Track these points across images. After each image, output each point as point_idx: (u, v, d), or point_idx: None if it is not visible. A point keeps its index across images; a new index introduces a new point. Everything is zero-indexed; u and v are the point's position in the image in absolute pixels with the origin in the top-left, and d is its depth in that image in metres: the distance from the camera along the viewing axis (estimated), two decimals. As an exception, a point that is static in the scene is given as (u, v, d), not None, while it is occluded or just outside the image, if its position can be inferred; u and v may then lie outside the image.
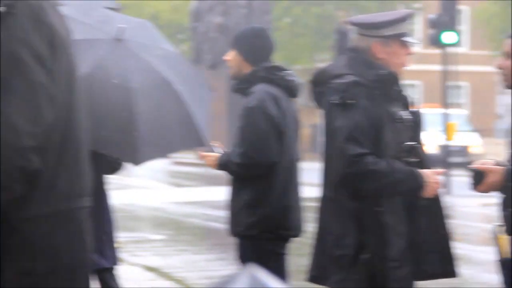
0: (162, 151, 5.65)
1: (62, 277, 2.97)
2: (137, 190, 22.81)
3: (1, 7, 2.86)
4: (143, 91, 5.19)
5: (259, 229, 5.67)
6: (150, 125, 5.20)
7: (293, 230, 5.83)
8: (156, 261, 11.63)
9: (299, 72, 36.91)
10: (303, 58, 45.43)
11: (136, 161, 5.35)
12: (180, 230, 15.76)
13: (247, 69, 5.90)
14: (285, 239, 5.85)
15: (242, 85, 5.91)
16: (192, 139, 5.43)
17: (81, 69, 4.73)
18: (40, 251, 2.92)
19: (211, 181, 28.00)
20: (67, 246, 2.99)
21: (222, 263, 11.82)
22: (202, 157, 5.93)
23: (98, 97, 4.99)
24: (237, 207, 5.78)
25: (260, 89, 5.75)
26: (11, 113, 2.81)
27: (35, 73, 2.86)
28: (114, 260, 5.99)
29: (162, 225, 16.19)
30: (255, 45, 5.93)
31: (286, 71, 5.96)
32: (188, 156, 44.73)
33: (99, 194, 5.55)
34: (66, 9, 5.13)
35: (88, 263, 3.12)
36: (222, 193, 21.05)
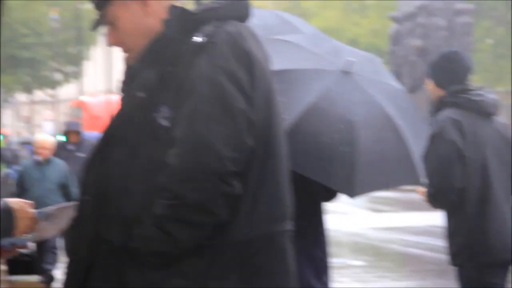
0: (378, 186, 5.58)
1: None
2: (337, 216, 22.80)
3: (202, 37, 2.95)
4: (364, 124, 5.19)
5: (461, 258, 5.63)
6: (369, 159, 5.18)
7: (500, 255, 5.70)
8: (356, 287, 11.62)
9: (502, 94, 36.23)
10: (506, 80, 44.42)
11: (352, 193, 5.30)
12: (379, 256, 15.68)
13: (440, 94, 5.88)
14: (499, 265, 5.74)
15: (433, 111, 5.90)
16: (408, 176, 5.34)
17: (307, 97, 5.02)
18: (241, 274, 2.96)
19: (410, 207, 27.80)
20: (268, 269, 3.01)
21: (422, 290, 11.75)
22: (421, 193, 5.90)
23: (321, 126, 5.08)
24: (445, 236, 5.79)
25: (443, 115, 5.72)
26: (214, 139, 2.87)
27: (235, 100, 2.91)
28: (326, 286, 6.09)
29: (362, 251, 16.16)
30: (446, 70, 5.90)
31: (474, 91, 5.86)
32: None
33: (316, 219, 5.60)
34: (297, 38, 5.36)
35: (290, 286, 3.11)
36: (421, 218, 20.81)
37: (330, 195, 5.88)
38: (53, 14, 56.78)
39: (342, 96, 5.28)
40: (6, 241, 3.22)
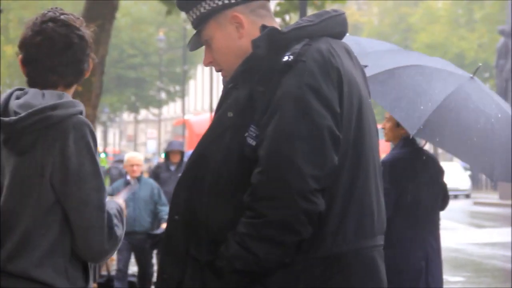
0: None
1: None
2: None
3: (290, 56, 2.98)
4: (497, 120, 6.01)
5: None
6: (505, 151, 5.92)
7: None
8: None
9: None
10: None
11: (493, 177, 6.26)
12: (480, 272, 15.55)
13: None
14: None
15: None
16: None
17: (447, 89, 6.06)
18: None
19: (513, 222, 27.61)
20: (358, 285, 3.02)
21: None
22: None
23: (462, 113, 6.12)
24: None
25: None
26: (296, 156, 2.86)
27: (321, 116, 2.90)
28: None
29: (462, 267, 16.07)
30: None
31: None
32: (489, 196, 44.15)
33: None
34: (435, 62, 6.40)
35: None
36: (524, 234, 20.40)
37: (443, 205, 6.27)
38: (160, 34, 57.44)
39: (474, 94, 6.19)
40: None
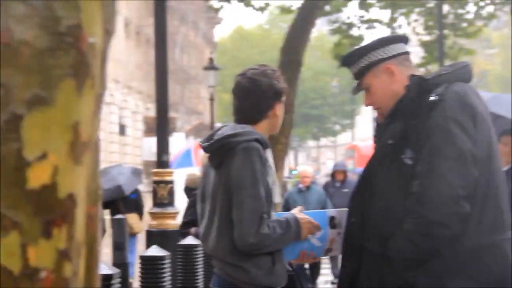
0: None
1: None
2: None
3: (435, 96, 2.99)
4: None
5: None
6: None
7: None
8: None
9: None
10: None
11: None
12: None
13: None
14: None
15: None
16: None
17: None
18: (471, 273, 2.95)
19: None
20: (492, 270, 2.98)
21: None
22: None
23: None
24: None
25: None
26: (447, 172, 2.90)
27: (462, 141, 2.93)
28: None
29: None
30: None
31: None
32: None
33: None
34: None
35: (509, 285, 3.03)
36: None
37: None
38: (334, 82, 57.60)
39: None
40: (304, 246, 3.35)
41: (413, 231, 2.93)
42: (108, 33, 1.37)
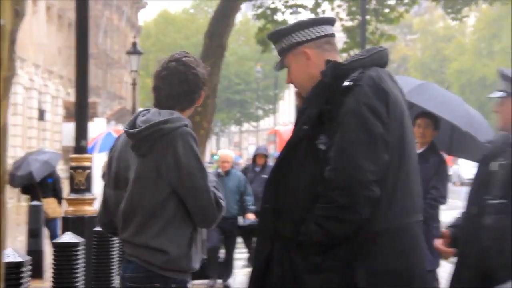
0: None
1: (401, 276, 2.98)
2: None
3: (349, 82, 2.99)
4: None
5: None
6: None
7: None
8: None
9: None
10: None
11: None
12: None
13: None
14: None
15: None
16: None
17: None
18: (382, 256, 2.96)
19: None
20: (403, 253, 2.99)
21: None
22: None
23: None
24: None
25: None
26: (357, 157, 2.90)
27: (374, 126, 2.93)
28: (438, 263, 6.07)
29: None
30: None
31: None
32: None
33: None
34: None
35: (421, 266, 3.07)
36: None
37: None
38: (257, 67, 57.76)
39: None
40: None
41: (323, 216, 2.93)
42: (18, 14, 1.31)
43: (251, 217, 10.35)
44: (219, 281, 10.30)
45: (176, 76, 3.41)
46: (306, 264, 2.97)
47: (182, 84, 3.41)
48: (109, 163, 3.45)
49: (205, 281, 10.02)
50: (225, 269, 10.37)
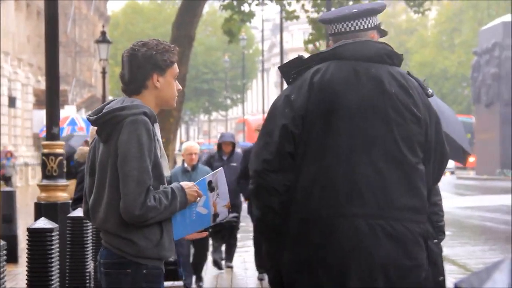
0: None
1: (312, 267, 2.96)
2: (431, 199, 22.32)
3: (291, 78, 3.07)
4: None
5: None
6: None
7: None
8: (445, 251, 11.40)
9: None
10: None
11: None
12: (462, 228, 15.36)
13: None
14: None
15: None
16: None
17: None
18: (300, 245, 2.97)
19: (487, 191, 27.16)
20: (319, 243, 2.91)
21: (494, 252, 11.46)
22: None
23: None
24: None
25: None
26: (257, 146, 3.04)
27: (281, 117, 3.02)
28: None
29: (449, 224, 15.83)
30: None
31: None
32: (468, 172, 44.03)
33: None
34: None
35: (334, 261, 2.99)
36: (494, 200, 20.11)
37: None
38: (225, 57, 57.60)
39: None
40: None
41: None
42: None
43: None
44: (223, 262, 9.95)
45: (122, 60, 3.39)
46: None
47: (124, 67, 3.37)
48: (89, 152, 3.43)
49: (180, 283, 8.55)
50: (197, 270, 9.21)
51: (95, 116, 3.29)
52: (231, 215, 8.22)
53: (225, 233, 9.40)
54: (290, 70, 3.06)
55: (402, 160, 2.94)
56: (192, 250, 9.15)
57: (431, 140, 3.02)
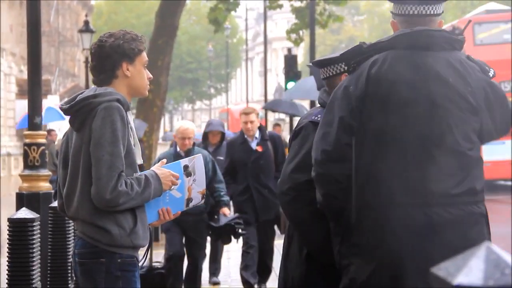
0: None
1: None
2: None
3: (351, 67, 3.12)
4: None
5: None
6: None
7: None
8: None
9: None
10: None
11: None
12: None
13: None
14: None
15: None
16: None
17: None
18: (351, 234, 3.05)
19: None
20: (370, 234, 3.01)
21: None
22: None
23: None
24: None
25: None
26: (317, 136, 3.16)
27: (339, 109, 3.11)
28: None
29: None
30: None
31: None
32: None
33: None
34: None
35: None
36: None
37: None
38: (209, 47, 57.56)
39: None
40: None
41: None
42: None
43: (227, 212, 7.45)
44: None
45: (97, 52, 3.39)
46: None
47: (93, 57, 3.40)
48: (61, 144, 3.42)
49: None
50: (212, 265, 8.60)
51: (68, 105, 3.30)
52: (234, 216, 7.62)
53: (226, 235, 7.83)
54: (351, 59, 3.09)
55: (457, 148, 2.96)
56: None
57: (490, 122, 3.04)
